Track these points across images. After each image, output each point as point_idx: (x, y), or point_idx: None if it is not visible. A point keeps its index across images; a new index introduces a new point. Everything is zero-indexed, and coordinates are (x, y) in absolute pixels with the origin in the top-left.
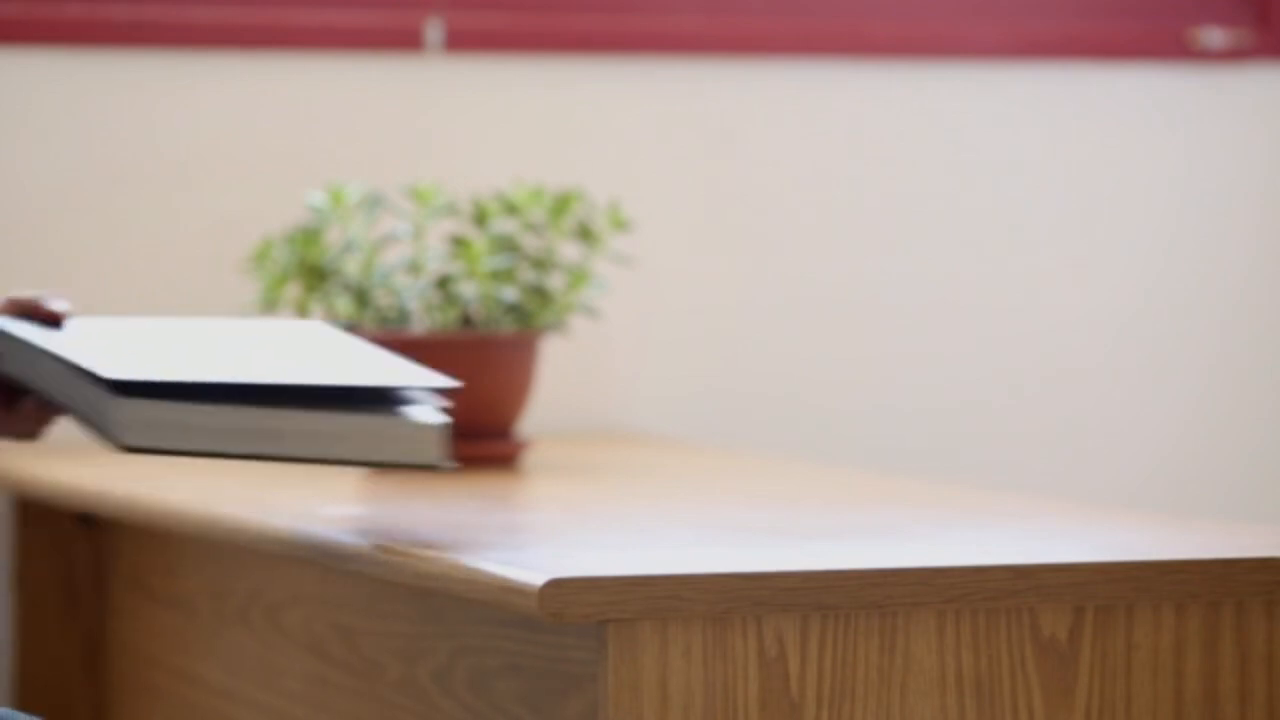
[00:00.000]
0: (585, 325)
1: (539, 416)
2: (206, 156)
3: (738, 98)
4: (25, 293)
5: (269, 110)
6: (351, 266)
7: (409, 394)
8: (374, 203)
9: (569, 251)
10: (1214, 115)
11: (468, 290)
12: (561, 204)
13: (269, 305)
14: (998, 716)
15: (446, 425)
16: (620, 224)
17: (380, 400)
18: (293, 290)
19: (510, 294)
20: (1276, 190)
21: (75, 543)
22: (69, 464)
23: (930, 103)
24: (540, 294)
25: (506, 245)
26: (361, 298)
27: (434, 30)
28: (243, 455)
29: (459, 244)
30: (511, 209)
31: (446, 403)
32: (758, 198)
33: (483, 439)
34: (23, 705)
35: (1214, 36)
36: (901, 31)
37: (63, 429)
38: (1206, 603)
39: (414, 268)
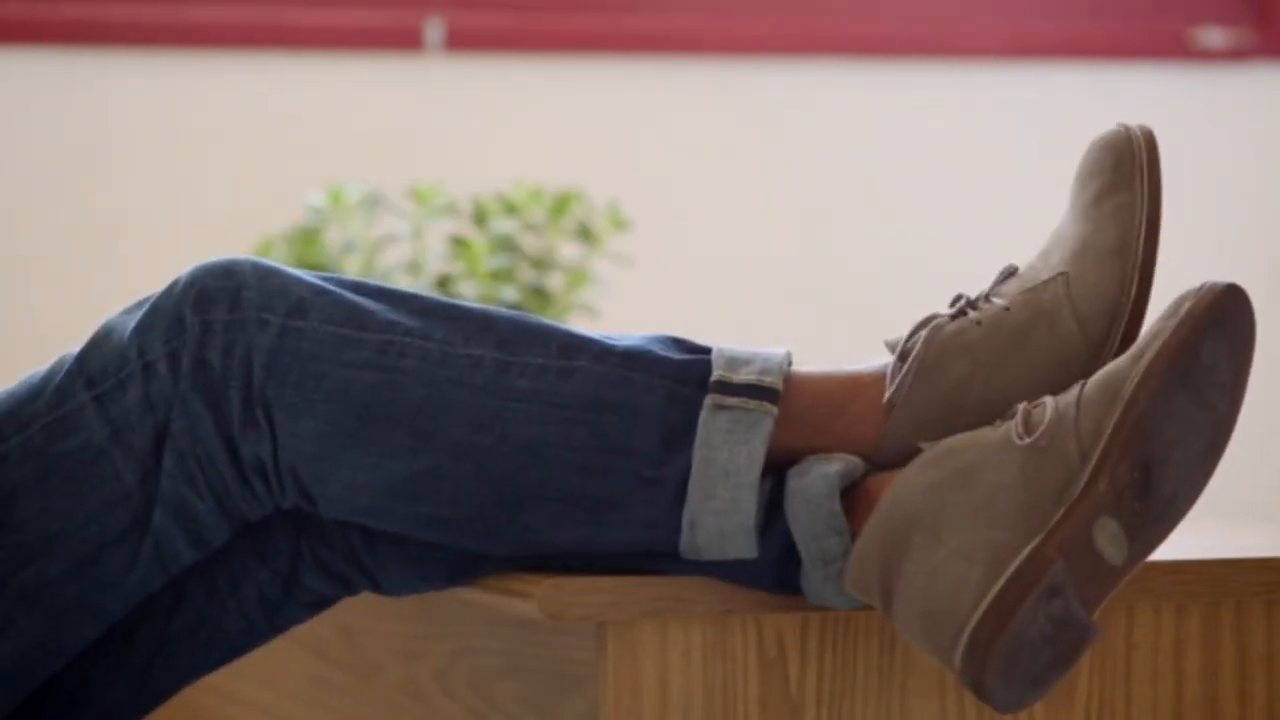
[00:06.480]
0: (585, 325)
1: None
2: (206, 156)
3: (738, 98)
4: None
5: (269, 110)
6: (351, 266)
7: None
8: (374, 203)
9: (569, 251)
10: (1214, 115)
11: (468, 290)
12: (561, 204)
13: None
14: (997, 716)
15: None
16: (620, 224)
17: None
18: None
19: (510, 294)
20: (1275, 190)
21: None
22: None
23: (930, 103)
24: (540, 294)
25: (506, 245)
26: None
27: (434, 30)
28: None
29: (459, 244)
30: (511, 209)
31: None
32: (757, 198)
33: None
34: None
35: (1214, 36)
36: (901, 31)
37: None
38: (1206, 603)
39: (414, 268)
